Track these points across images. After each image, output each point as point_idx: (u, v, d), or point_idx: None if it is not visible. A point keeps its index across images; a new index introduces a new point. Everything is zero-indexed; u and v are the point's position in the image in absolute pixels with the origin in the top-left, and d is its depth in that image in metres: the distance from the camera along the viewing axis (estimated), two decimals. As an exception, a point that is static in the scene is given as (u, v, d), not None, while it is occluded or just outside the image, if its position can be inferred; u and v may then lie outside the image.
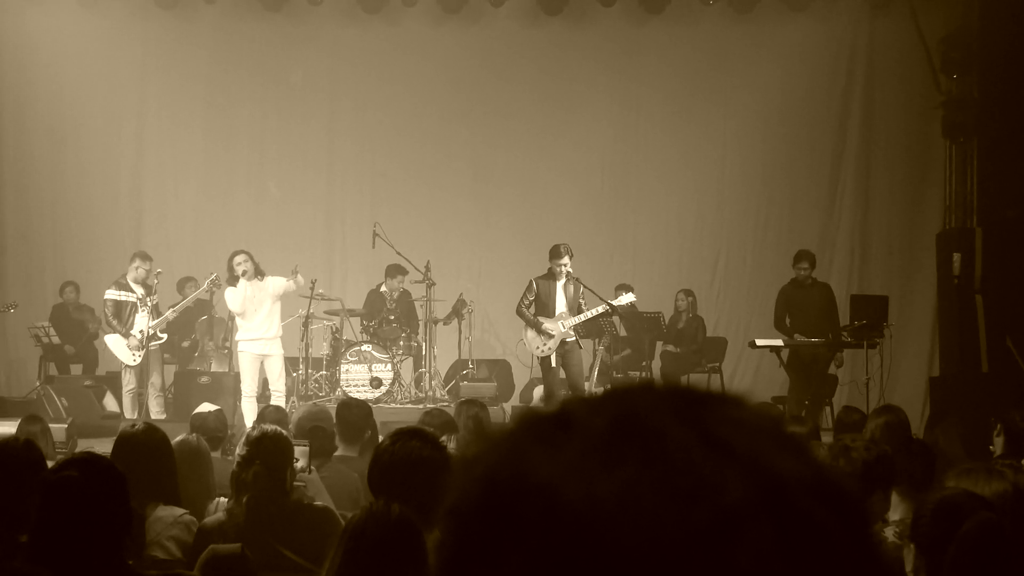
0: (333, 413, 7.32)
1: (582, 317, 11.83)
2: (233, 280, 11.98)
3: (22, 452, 4.23)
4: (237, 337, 12.26)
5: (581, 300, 11.91)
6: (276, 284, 12.16)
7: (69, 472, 3.40)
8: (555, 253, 11.84)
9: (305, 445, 5.71)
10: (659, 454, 0.77)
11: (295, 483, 5.09)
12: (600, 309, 11.92)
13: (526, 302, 11.98)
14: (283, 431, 5.22)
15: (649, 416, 0.80)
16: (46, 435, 7.89)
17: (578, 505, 0.76)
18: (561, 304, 11.84)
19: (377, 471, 4.02)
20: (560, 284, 11.84)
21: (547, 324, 11.80)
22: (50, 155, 15.98)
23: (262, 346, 12.07)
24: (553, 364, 11.86)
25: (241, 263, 11.94)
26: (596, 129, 16.11)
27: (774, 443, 0.80)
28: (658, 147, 16.15)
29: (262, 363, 12.14)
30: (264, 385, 12.39)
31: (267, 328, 12.10)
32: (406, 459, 3.96)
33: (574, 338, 11.92)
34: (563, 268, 11.76)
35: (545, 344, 11.84)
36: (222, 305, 13.25)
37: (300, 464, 5.48)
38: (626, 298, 12.21)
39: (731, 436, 0.79)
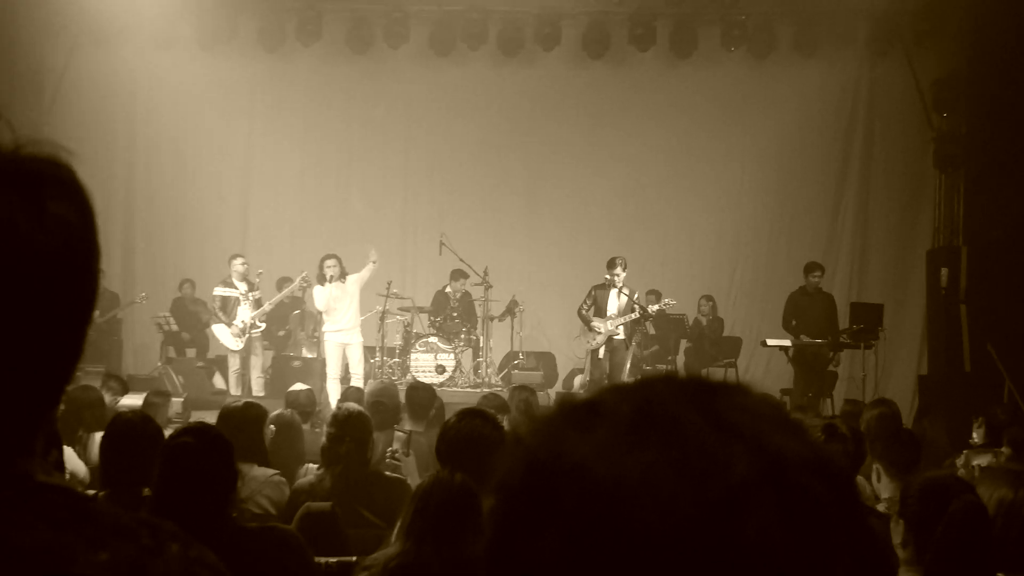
0: (401, 393, 7.36)
1: (627, 319, 11.94)
2: (321, 280, 12.08)
3: (139, 424, 4.28)
4: (324, 328, 12.37)
5: (635, 306, 11.99)
6: (353, 281, 12.30)
7: (185, 439, 3.45)
8: (610, 264, 12.01)
9: (405, 432, 5.73)
10: (676, 437, 0.77)
11: (392, 461, 5.12)
12: (639, 315, 12.02)
13: (585, 305, 12.19)
14: (365, 412, 5.25)
15: (668, 403, 0.80)
16: (166, 406, 8.02)
17: (606, 483, 0.76)
18: (613, 308, 11.99)
19: (444, 444, 4.03)
20: (614, 292, 11.95)
21: (597, 323, 11.95)
22: (173, 173, 16.19)
23: (344, 336, 12.21)
24: (600, 356, 11.97)
25: (331, 267, 12.04)
26: (632, 156, 16.04)
27: (776, 426, 0.80)
28: (684, 173, 16.08)
29: (344, 350, 12.27)
30: (346, 369, 12.50)
31: (348, 321, 12.23)
32: (469, 435, 3.97)
33: (621, 337, 12.00)
34: (616, 277, 11.87)
35: (595, 339, 12.00)
36: (312, 301, 13.37)
37: (395, 447, 5.52)
38: (664, 303, 12.32)
39: (738, 420, 0.79)
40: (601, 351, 12.02)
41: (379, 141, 16.35)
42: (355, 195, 16.47)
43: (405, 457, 5.65)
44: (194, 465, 3.37)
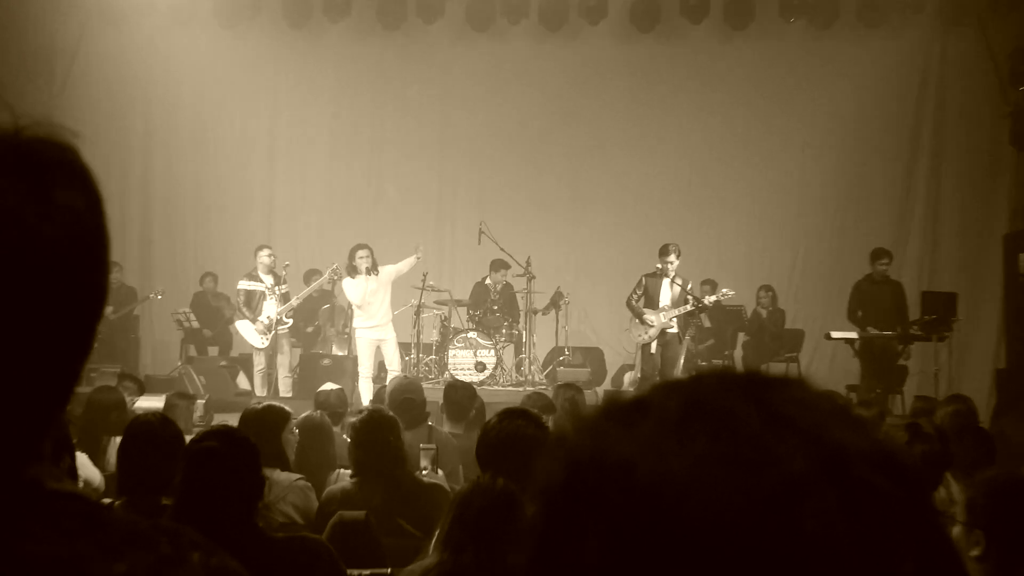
0: (439, 392, 7.35)
1: (680, 311, 11.86)
2: (352, 271, 12.12)
3: (159, 426, 4.31)
4: (355, 324, 12.42)
5: (689, 297, 11.91)
6: (388, 272, 12.37)
7: (209, 443, 3.47)
8: (663, 251, 11.92)
9: (432, 449, 5.74)
10: (727, 430, 0.78)
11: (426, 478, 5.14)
12: (694, 306, 11.93)
13: (635, 296, 12.08)
14: (389, 412, 5.26)
15: (718, 397, 0.80)
16: (190, 409, 8.08)
17: (653, 480, 0.77)
18: (666, 299, 11.91)
19: (484, 446, 4.03)
20: (666, 281, 11.87)
21: (649, 315, 11.88)
22: (193, 159, 16.32)
23: (378, 332, 12.28)
24: (652, 351, 11.91)
25: (364, 258, 12.10)
26: (683, 137, 15.99)
27: (837, 420, 0.80)
28: (741, 154, 15.99)
29: (378, 347, 12.33)
30: (380, 367, 12.54)
31: (383, 315, 12.30)
32: (512, 436, 3.96)
33: (675, 330, 11.92)
34: (669, 266, 11.80)
35: (646, 333, 11.93)
36: (343, 294, 13.41)
37: (425, 465, 5.54)
38: (721, 294, 12.21)
39: (794, 413, 0.79)
40: (653, 345, 11.95)
41: (413, 124, 16.38)
42: (388, 181, 16.53)
43: (435, 475, 5.67)
44: (219, 470, 3.39)
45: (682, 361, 12.61)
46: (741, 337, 14.66)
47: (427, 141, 16.48)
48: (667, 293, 11.94)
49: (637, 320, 12.06)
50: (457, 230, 16.20)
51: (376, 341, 12.32)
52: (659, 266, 11.95)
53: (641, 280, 12.13)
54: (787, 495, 0.75)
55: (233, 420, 5.88)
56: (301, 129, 16.46)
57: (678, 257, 11.85)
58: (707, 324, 14.19)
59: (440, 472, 5.81)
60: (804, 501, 0.75)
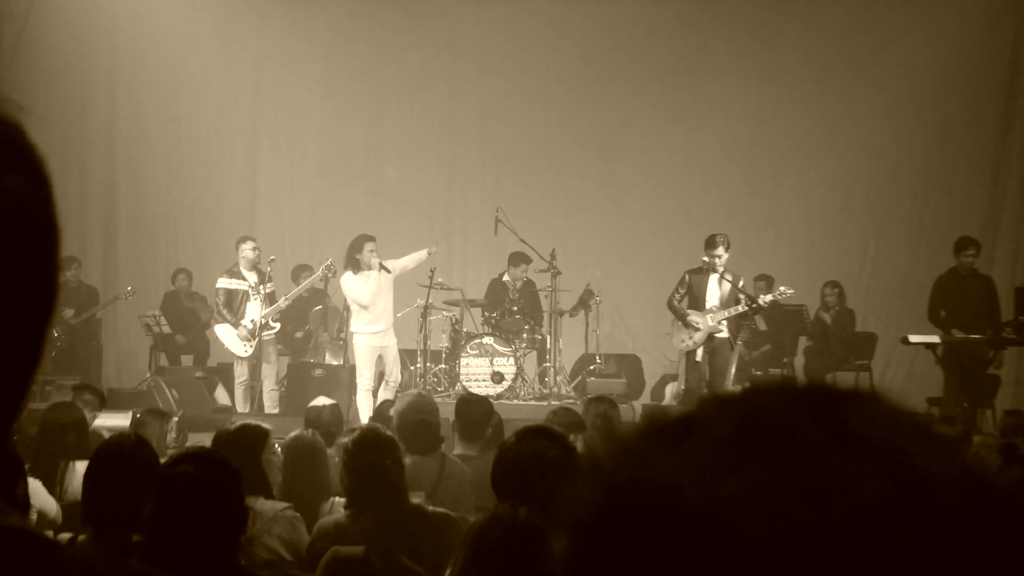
0: (451, 408, 7.33)
1: (731, 311, 11.78)
2: (355, 266, 12.05)
3: (133, 449, 4.32)
4: (354, 328, 12.34)
5: (741, 296, 11.84)
6: (394, 268, 12.36)
7: (185, 468, 3.47)
8: (710, 243, 11.82)
9: (420, 496, 5.76)
10: (789, 452, 0.77)
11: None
12: (747, 306, 11.84)
13: (677, 295, 12.00)
14: (388, 431, 5.27)
15: (779, 414, 0.80)
16: (163, 428, 8.07)
17: (703, 508, 0.76)
18: (713, 298, 11.83)
19: (502, 471, 4.01)
20: (714, 278, 11.82)
21: (694, 317, 11.82)
22: (164, 137, 16.36)
23: (381, 338, 12.24)
24: (698, 359, 11.86)
25: (374, 251, 12.06)
26: (733, 107, 15.96)
27: (916, 439, 0.80)
28: (800, 125, 15.95)
29: (380, 355, 12.31)
30: (377, 378, 12.54)
31: (387, 319, 12.29)
32: (533, 458, 3.94)
33: (724, 334, 11.86)
34: (717, 260, 11.73)
35: (691, 338, 11.86)
36: (338, 294, 13.40)
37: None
38: (779, 292, 12.14)
39: (868, 432, 0.79)
40: (699, 352, 11.89)
41: (417, 95, 16.40)
42: (388, 162, 16.56)
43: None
44: (196, 500, 3.39)
45: (733, 371, 12.56)
46: (802, 342, 14.59)
47: (433, 114, 16.48)
48: (715, 291, 11.88)
49: (680, 323, 12.00)
50: (469, 218, 16.21)
51: (378, 348, 12.30)
52: (705, 260, 11.89)
53: (684, 277, 12.07)
54: (859, 527, 0.75)
55: (210, 441, 5.88)
56: (288, 103, 16.49)
57: (727, 249, 11.77)
58: (762, 327, 14.15)
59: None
60: (879, 534, 0.75)
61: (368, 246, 12.09)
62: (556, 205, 15.94)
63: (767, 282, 13.81)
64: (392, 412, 7.04)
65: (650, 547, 0.78)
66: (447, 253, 15.89)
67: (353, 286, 12.14)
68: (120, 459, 4.23)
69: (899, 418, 0.81)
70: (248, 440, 5.34)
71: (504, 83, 16.22)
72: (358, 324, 12.27)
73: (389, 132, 16.56)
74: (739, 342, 12.98)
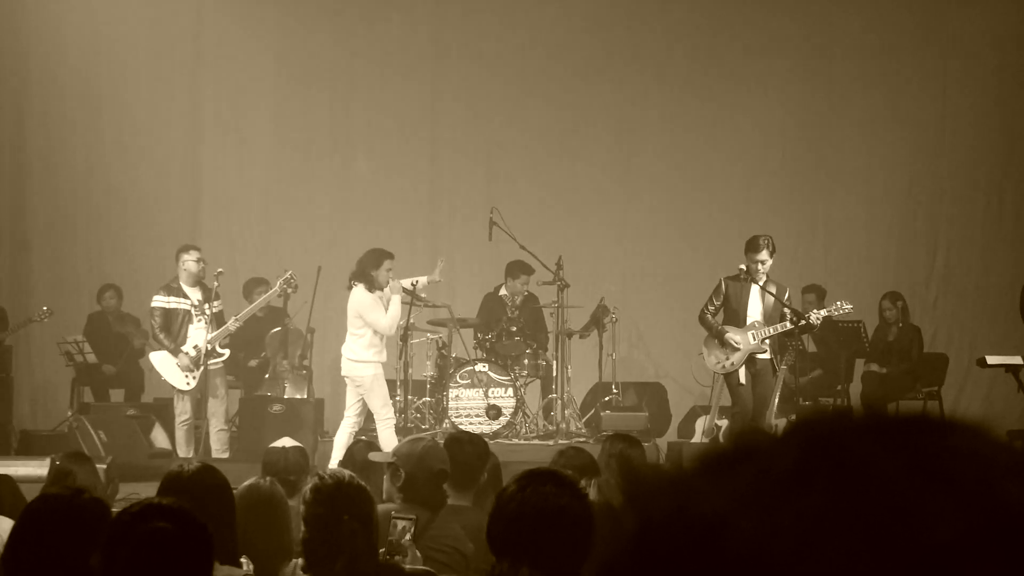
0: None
1: (778, 328, 11.75)
2: (368, 283, 11.86)
3: (73, 503, 4.31)
4: (361, 355, 12.03)
5: (787, 310, 11.80)
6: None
7: (163, 524, 3.49)
8: (751, 246, 11.76)
9: (411, 519, 5.74)
10: (858, 483, 0.80)
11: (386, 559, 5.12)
12: (794, 324, 11.81)
13: (711, 307, 11.92)
14: (354, 476, 5.27)
15: (849, 442, 0.83)
16: (92, 477, 8.03)
17: (751, 540, 0.79)
18: (756, 312, 11.79)
19: (501, 524, 4.01)
20: (755, 288, 11.79)
21: (732, 334, 11.77)
22: (85, 125, 16.32)
23: (383, 368, 12.20)
24: (742, 380, 11.81)
25: (392, 270, 11.95)
26: (775, 83, 15.97)
27: (1008, 475, 0.81)
28: (856, 105, 15.96)
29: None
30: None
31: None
32: (538, 509, 3.94)
33: (767, 355, 11.84)
34: (760, 267, 11.70)
35: (728, 359, 11.80)
36: (300, 313, 13.41)
37: (396, 538, 5.54)
38: (835, 307, 12.12)
39: (952, 465, 0.81)
40: (742, 374, 11.85)
41: (394, 68, 16.39)
42: (359, 153, 16.53)
43: (412, 550, 5.67)
44: (171, 565, 3.41)
45: (776, 399, 12.57)
46: (859, 366, 14.60)
47: (414, 92, 16.47)
48: (756, 304, 11.83)
49: (716, 340, 11.95)
50: (458, 220, 16.22)
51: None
52: (743, 267, 11.85)
53: (720, 285, 11.99)
54: (934, 566, 0.77)
55: (147, 492, 5.86)
56: (235, 77, 16.45)
57: (772, 254, 11.73)
58: (811, 349, 14.14)
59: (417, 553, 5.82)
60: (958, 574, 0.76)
61: (387, 264, 11.96)
62: (562, 204, 15.94)
63: (817, 294, 13.81)
64: (400, 453, 7.01)
65: None
66: (432, 263, 15.83)
67: (375, 307, 11.91)
68: (54, 514, 4.23)
69: (987, 449, 0.83)
70: (211, 482, 5.33)
71: (498, 59, 16.23)
72: (368, 352, 12.04)
73: (360, 118, 16.54)
74: (784, 366, 12.97)
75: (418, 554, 5.73)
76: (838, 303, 12.15)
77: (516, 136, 16.34)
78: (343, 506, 4.89)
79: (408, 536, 5.62)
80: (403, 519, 5.67)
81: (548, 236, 14.25)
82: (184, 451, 12.81)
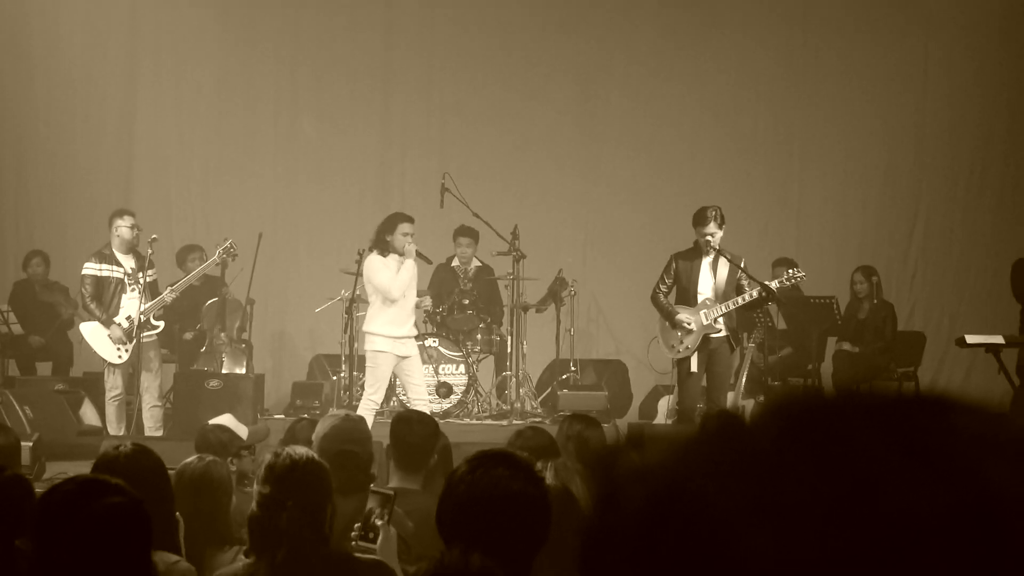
0: (385, 428, 7.30)
1: (731, 305, 11.66)
2: (383, 249, 11.72)
3: (10, 485, 4.29)
4: (371, 327, 11.90)
5: (744, 282, 11.71)
6: (415, 271, 12.08)
7: (115, 499, 3.51)
8: (699, 218, 11.63)
9: (388, 493, 5.69)
10: (836, 460, 0.84)
11: (364, 544, 5.09)
12: (754, 295, 11.73)
13: (663, 287, 11.76)
14: (319, 460, 5.22)
15: (824, 419, 0.88)
16: (15, 454, 7.98)
17: (732, 518, 0.85)
18: (706, 288, 11.69)
19: (450, 508, 3.99)
20: (707, 262, 11.69)
21: (683, 315, 11.66)
22: (12, 82, 16.20)
23: (405, 345, 11.85)
24: (693, 368, 11.68)
25: (409, 234, 11.76)
26: (746, 55, 15.98)
27: (995, 454, 0.84)
28: (833, 69, 15.99)
29: (402, 366, 11.93)
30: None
31: (411, 323, 11.94)
32: (490, 493, 3.94)
33: (723, 333, 11.72)
34: (709, 240, 11.60)
35: (682, 343, 11.70)
36: (238, 283, 13.35)
37: (373, 517, 5.48)
38: (786, 276, 12.03)
39: (936, 443, 0.85)
40: (693, 361, 11.71)
41: (342, 22, 16.35)
42: (305, 114, 16.47)
43: (385, 529, 5.62)
44: (121, 547, 3.44)
45: (743, 380, 12.58)
46: (832, 344, 14.64)
47: (364, 54, 16.45)
48: (708, 279, 11.68)
49: (667, 323, 11.86)
50: (409, 186, 16.18)
51: (399, 359, 11.96)
52: (696, 240, 11.75)
53: (670, 262, 11.83)
54: (907, 543, 0.81)
55: (75, 470, 5.82)
56: (173, 39, 16.36)
57: (720, 226, 11.59)
58: (781, 325, 14.16)
59: (392, 531, 5.78)
60: (929, 553, 0.81)
61: (403, 227, 11.77)
62: (519, 171, 15.92)
63: (787, 267, 13.84)
64: (313, 438, 6.98)
65: (659, 555, 0.88)
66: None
67: (383, 270, 11.72)
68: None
69: (976, 427, 0.86)
70: (146, 464, 5.30)
71: (454, 16, 16.21)
72: (376, 323, 11.91)
73: (306, 76, 16.51)
74: (751, 343, 12.99)
75: (392, 532, 5.69)
76: (790, 271, 12.06)
77: (471, 98, 16.31)
78: (289, 490, 4.84)
79: (381, 514, 5.57)
80: (379, 493, 5.62)
81: (504, 204, 14.25)
82: (115, 428, 12.76)
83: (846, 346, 14.41)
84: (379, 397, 11.90)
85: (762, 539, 0.82)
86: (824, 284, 14.07)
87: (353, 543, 5.27)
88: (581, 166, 16.30)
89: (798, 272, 11.94)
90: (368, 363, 11.93)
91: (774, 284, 11.70)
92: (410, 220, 11.87)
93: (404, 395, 12.94)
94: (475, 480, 3.99)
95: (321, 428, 6.83)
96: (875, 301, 14.43)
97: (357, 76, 16.40)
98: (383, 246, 11.69)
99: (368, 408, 11.56)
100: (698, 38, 16.00)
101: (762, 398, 12.72)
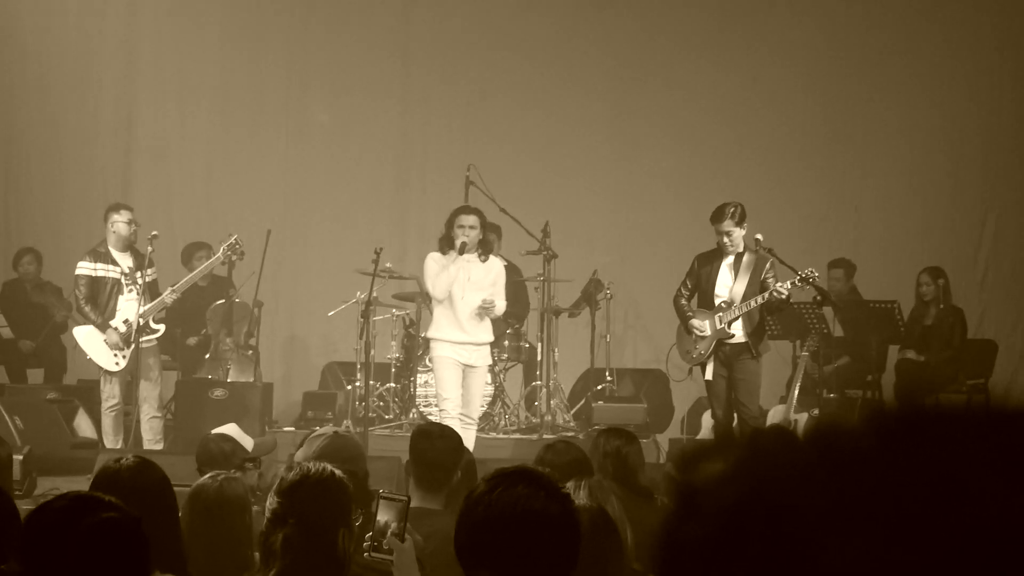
0: (403, 443, 7.26)
1: (744, 307, 11.59)
2: (445, 245, 11.63)
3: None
4: (432, 332, 11.82)
5: (770, 280, 11.59)
6: (496, 272, 11.98)
7: (109, 514, 3.50)
8: (717, 215, 11.66)
9: (402, 499, 5.61)
10: (934, 469, 0.98)
11: (378, 555, 5.03)
12: (767, 296, 11.60)
13: (685, 290, 11.79)
14: (335, 470, 5.15)
15: (921, 429, 1.02)
16: (5, 469, 7.95)
17: (811, 520, 1.00)
18: (724, 290, 11.64)
19: (468, 532, 3.93)
20: (726, 263, 11.67)
21: (696, 320, 11.64)
22: (3, 67, 16.24)
23: (468, 351, 11.71)
24: (708, 375, 11.66)
25: (467, 228, 11.62)
26: (797, 27, 15.95)
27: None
28: (894, 53, 15.93)
29: (464, 376, 11.74)
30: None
31: (476, 328, 11.76)
32: (510, 513, 3.89)
33: (741, 340, 11.63)
34: (727, 239, 11.58)
35: (696, 348, 11.70)
36: (248, 286, 13.33)
37: (386, 524, 5.39)
38: (801, 276, 11.85)
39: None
40: (708, 369, 11.67)
41: (359, 11, 16.36)
42: (318, 102, 16.48)
43: (402, 540, 5.53)
44: (124, 562, 3.42)
45: (796, 391, 12.48)
46: (894, 353, 14.56)
47: (382, 38, 16.46)
48: (726, 281, 11.66)
49: (684, 328, 11.84)
50: (431, 179, 16.21)
51: (461, 365, 11.81)
52: (718, 240, 11.72)
53: (692, 264, 11.89)
54: (988, 547, 0.94)
55: (69, 486, 5.77)
56: (176, 22, 16.40)
57: (739, 224, 11.53)
58: (838, 332, 14.08)
59: (408, 542, 5.70)
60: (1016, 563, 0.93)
61: (459, 219, 11.66)
62: (550, 163, 15.91)
63: (846, 270, 13.76)
64: (297, 460, 6.91)
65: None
66: (400, 227, 15.86)
67: (430, 267, 11.73)
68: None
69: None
70: (149, 481, 5.26)
71: (479, -2, 16.21)
72: (432, 327, 11.89)
73: (316, 60, 16.54)
74: (805, 352, 12.91)
75: (409, 543, 5.59)
76: (806, 271, 11.86)
77: (498, 82, 16.33)
78: (293, 506, 4.82)
79: (398, 527, 5.47)
80: (392, 499, 5.51)
81: (533, 199, 14.21)
82: (112, 441, 12.76)
83: (910, 355, 14.33)
84: (451, 405, 11.63)
85: (854, 545, 0.94)
86: (885, 287, 14.01)
87: (366, 555, 5.22)
88: (618, 157, 16.26)
89: (812, 272, 11.77)
90: (435, 372, 11.93)
91: (785, 286, 11.53)
92: (470, 212, 11.84)
93: (426, 407, 12.96)
94: (493, 501, 3.93)
95: (309, 449, 6.75)
96: (942, 306, 14.36)
97: (374, 58, 16.39)
98: (446, 242, 11.63)
99: (448, 419, 11.05)
100: (747, 18, 16.01)
101: (816, 412, 12.65)
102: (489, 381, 13.15)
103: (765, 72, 15.96)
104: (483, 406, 12.06)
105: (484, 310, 11.67)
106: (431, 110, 16.51)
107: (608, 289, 14.13)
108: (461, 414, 11.57)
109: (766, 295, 11.38)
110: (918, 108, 15.91)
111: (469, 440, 11.03)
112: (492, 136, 15.90)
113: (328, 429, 8.40)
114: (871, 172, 16.10)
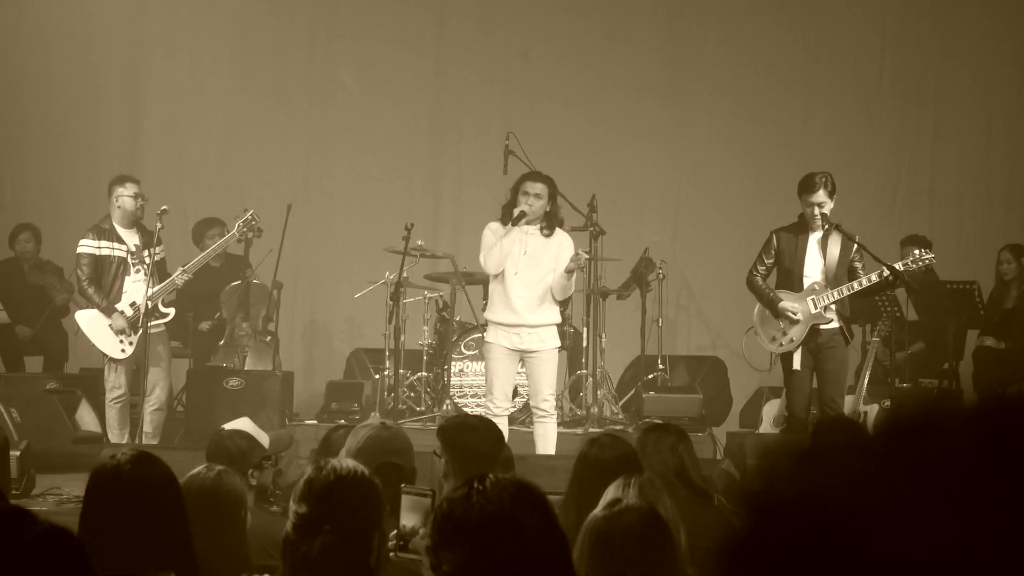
0: (431, 438, 7.24)
1: (846, 290, 11.50)
2: (506, 214, 11.39)
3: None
4: (487, 314, 11.60)
5: (857, 264, 11.54)
6: (565, 245, 11.56)
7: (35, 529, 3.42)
8: (806, 185, 11.47)
9: (426, 495, 5.59)
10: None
11: (405, 555, 5.02)
12: (873, 278, 11.57)
13: (761, 268, 11.59)
14: (365, 470, 5.12)
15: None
16: (1, 465, 7.96)
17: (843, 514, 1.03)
18: (815, 270, 11.54)
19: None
20: (814, 238, 11.55)
21: (788, 303, 11.54)
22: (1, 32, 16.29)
23: (521, 336, 11.53)
24: (796, 365, 11.56)
25: (532, 196, 11.38)
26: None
27: None
28: (973, 8, 15.86)
29: (523, 364, 11.59)
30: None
31: (532, 309, 11.53)
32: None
33: (835, 324, 11.57)
34: (816, 210, 11.46)
35: (785, 334, 11.58)
36: (266, 266, 13.32)
37: (411, 525, 5.38)
38: (912, 258, 11.81)
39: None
40: (797, 358, 11.56)
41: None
42: (344, 66, 16.47)
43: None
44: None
45: (865, 380, 12.42)
46: (972, 338, 14.48)
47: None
48: (816, 260, 11.50)
49: (768, 311, 11.70)
50: (465, 147, 16.23)
51: (516, 353, 11.63)
52: (802, 212, 11.59)
53: (771, 239, 11.58)
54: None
55: (70, 484, 5.77)
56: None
57: (831, 195, 11.45)
58: (912, 316, 14.02)
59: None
60: None
61: (524, 186, 11.36)
62: (597, 131, 15.87)
63: (919, 246, 13.68)
64: (343, 453, 6.89)
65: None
66: (433, 202, 15.85)
67: (487, 236, 11.45)
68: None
69: None
70: (150, 478, 5.23)
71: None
72: (490, 309, 11.63)
73: (343, 21, 16.55)
74: (875, 338, 12.84)
75: None
76: (918, 251, 11.82)
77: (540, 43, 16.31)
78: (328, 512, 4.76)
79: (414, 521, 5.46)
80: (417, 494, 5.48)
81: (578, 170, 14.17)
82: (117, 435, 12.77)
83: (989, 341, 14.25)
84: (498, 402, 11.38)
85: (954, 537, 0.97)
86: (964, 267, 13.96)
87: (393, 555, 5.20)
88: (673, 123, 16.25)
89: (927, 253, 11.69)
90: (486, 361, 11.68)
91: (899, 266, 11.46)
92: (538, 179, 11.48)
93: (460, 397, 12.94)
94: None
95: (354, 441, 6.74)
96: (1024, 287, 14.29)
97: (405, 18, 16.40)
98: (507, 209, 11.34)
99: (492, 415, 10.53)
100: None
101: (887, 403, 12.60)
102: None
103: (832, 31, 15.93)
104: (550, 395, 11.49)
105: (573, 264, 11.27)
106: (467, 69, 16.49)
107: (660, 269, 14.09)
108: (533, 407, 11.50)
109: (875, 276, 11.24)
110: (998, 71, 15.85)
111: (548, 436, 11.01)
112: (533, 99, 15.89)
113: (375, 420, 8.40)
114: (945, 136, 16.02)
